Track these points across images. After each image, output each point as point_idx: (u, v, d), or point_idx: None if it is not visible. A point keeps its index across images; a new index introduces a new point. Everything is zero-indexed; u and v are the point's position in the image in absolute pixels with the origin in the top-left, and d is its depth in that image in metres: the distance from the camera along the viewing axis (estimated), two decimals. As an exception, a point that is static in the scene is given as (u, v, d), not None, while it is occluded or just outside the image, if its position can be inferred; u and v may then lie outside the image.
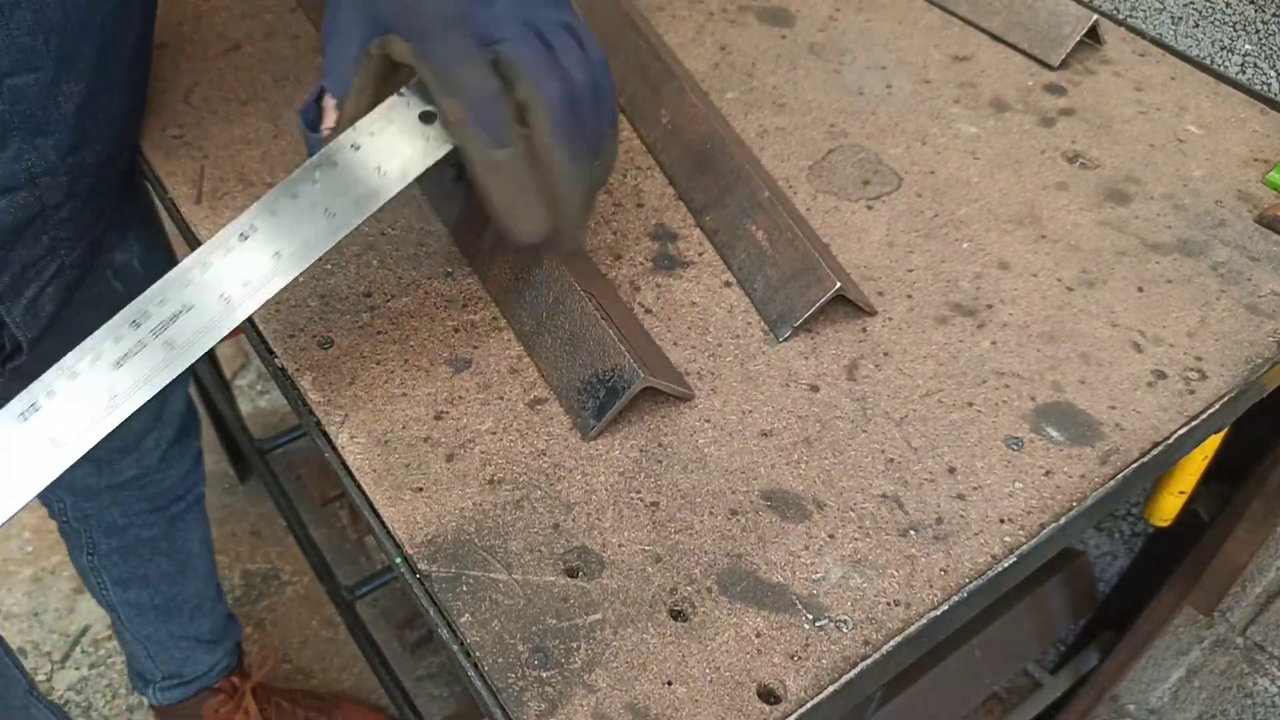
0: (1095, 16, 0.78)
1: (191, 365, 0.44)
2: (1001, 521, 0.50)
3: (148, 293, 0.45)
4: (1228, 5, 0.80)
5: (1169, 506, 0.94)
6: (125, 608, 1.11)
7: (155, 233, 0.89)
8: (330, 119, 0.48)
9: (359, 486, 0.51)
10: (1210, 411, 0.56)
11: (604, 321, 0.53)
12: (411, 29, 0.45)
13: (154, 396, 0.91)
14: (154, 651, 1.17)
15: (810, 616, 0.46)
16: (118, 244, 0.81)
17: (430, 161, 0.48)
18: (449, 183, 0.62)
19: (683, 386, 0.55)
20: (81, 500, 1.00)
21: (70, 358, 0.44)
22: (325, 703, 1.32)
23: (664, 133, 0.70)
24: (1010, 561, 0.49)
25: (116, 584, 1.09)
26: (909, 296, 0.61)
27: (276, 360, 0.56)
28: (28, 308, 0.65)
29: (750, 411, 0.55)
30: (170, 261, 0.90)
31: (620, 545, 0.49)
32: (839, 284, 0.57)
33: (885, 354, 0.58)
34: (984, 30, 0.82)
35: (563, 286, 0.55)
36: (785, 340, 0.58)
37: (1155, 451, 0.54)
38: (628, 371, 0.51)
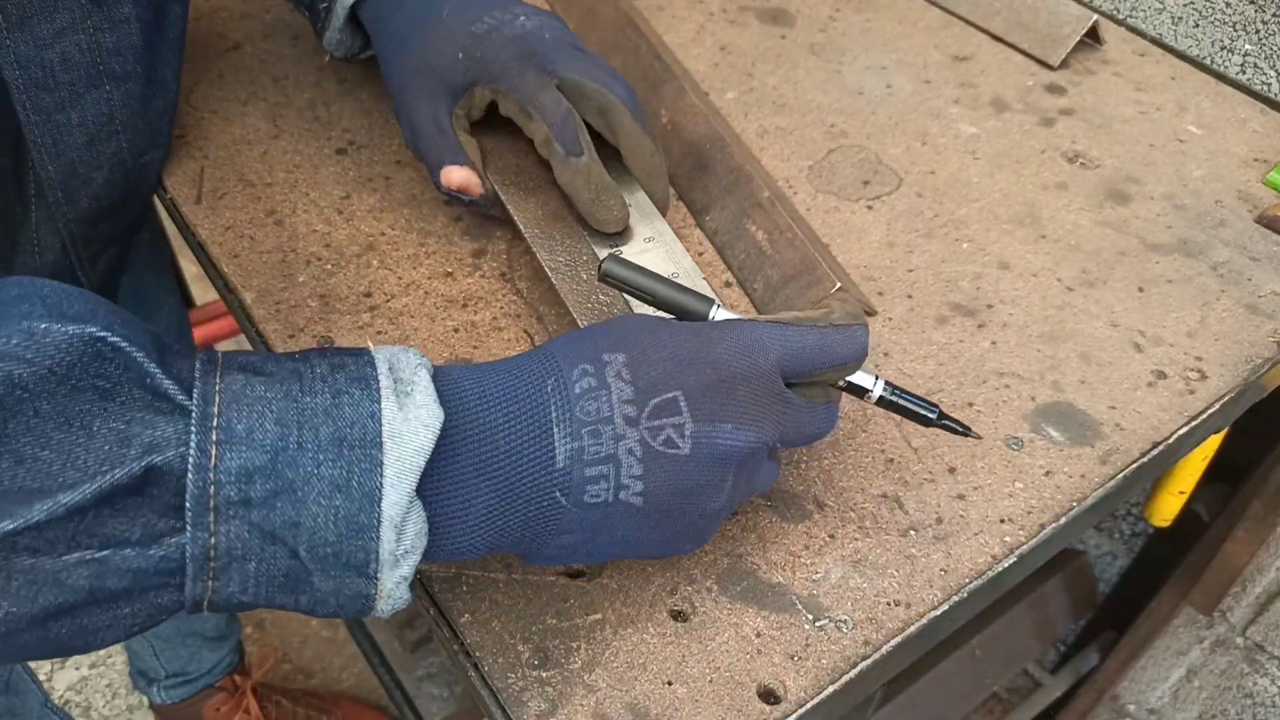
0: (1095, 16, 0.78)
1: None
2: (1001, 521, 0.50)
3: None
4: (1228, 5, 0.80)
5: (1169, 506, 0.94)
6: None
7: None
8: (470, 181, 0.58)
9: (359, 486, 0.51)
10: (1210, 411, 0.56)
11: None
12: (490, 74, 0.56)
13: None
14: (160, 649, 1.17)
15: (810, 616, 0.46)
16: None
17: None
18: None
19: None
20: None
21: None
22: (325, 702, 1.32)
23: (664, 133, 0.70)
24: (1010, 561, 0.49)
25: None
26: (909, 296, 0.61)
27: (276, 360, 0.56)
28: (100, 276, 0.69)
29: (750, 411, 0.55)
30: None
31: (620, 545, 0.49)
32: (839, 284, 0.57)
33: (885, 354, 0.58)
34: (984, 30, 0.82)
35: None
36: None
37: (1155, 451, 0.54)
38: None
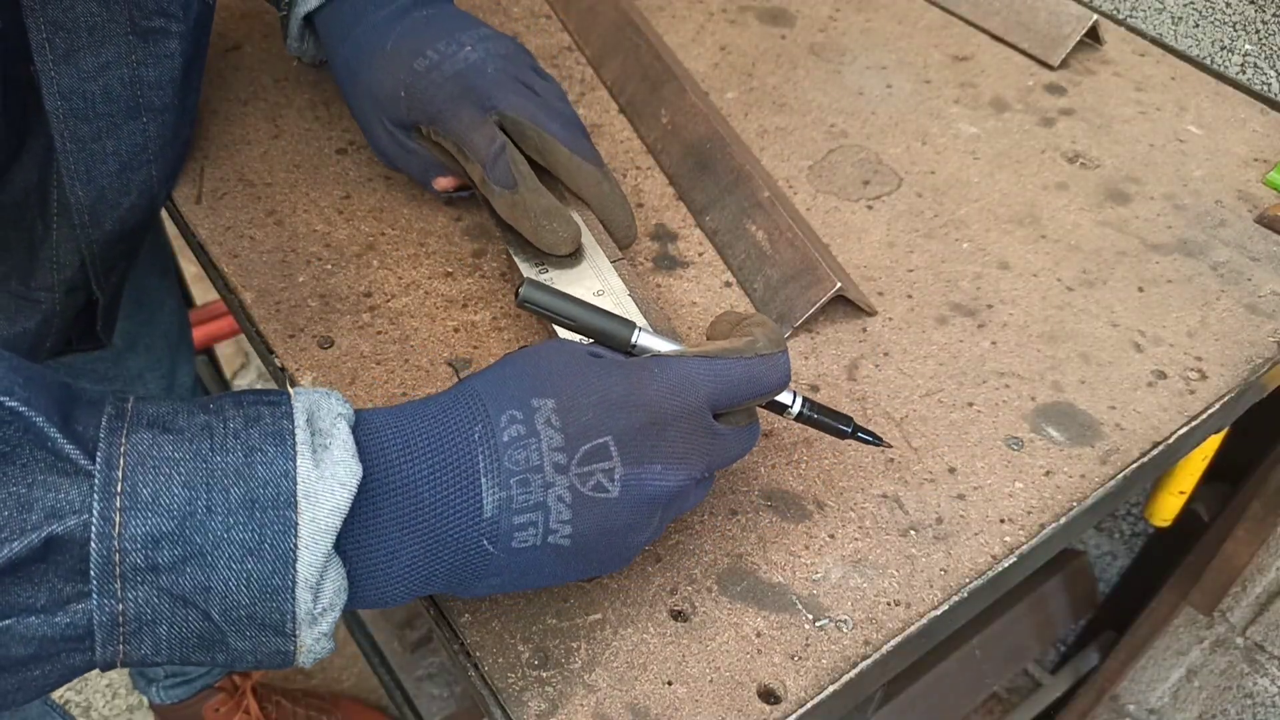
0: (1095, 16, 0.78)
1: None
2: (1001, 521, 0.50)
3: None
4: (1228, 5, 0.80)
5: (1169, 506, 0.94)
6: None
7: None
8: (450, 183, 0.61)
9: (359, 486, 0.51)
10: (1210, 411, 0.56)
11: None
12: (428, 115, 0.56)
13: (163, 374, 0.93)
14: None
15: (810, 616, 0.46)
16: None
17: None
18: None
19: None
20: None
21: None
22: (325, 702, 1.32)
23: (664, 133, 0.70)
24: (1010, 561, 0.49)
25: None
26: (909, 296, 0.61)
27: (276, 360, 0.56)
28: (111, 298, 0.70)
29: (750, 411, 0.55)
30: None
31: (620, 545, 0.49)
32: (839, 284, 0.57)
33: (885, 354, 0.58)
34: (984, 30, 0.82)
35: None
36: (785, 340, 0.58)
37: (1155, 451, 0.54)
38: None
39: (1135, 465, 0.53)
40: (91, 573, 0.31)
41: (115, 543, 0.31)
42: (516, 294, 0.44)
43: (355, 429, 0.36)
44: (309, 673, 1.42)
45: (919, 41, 0.81)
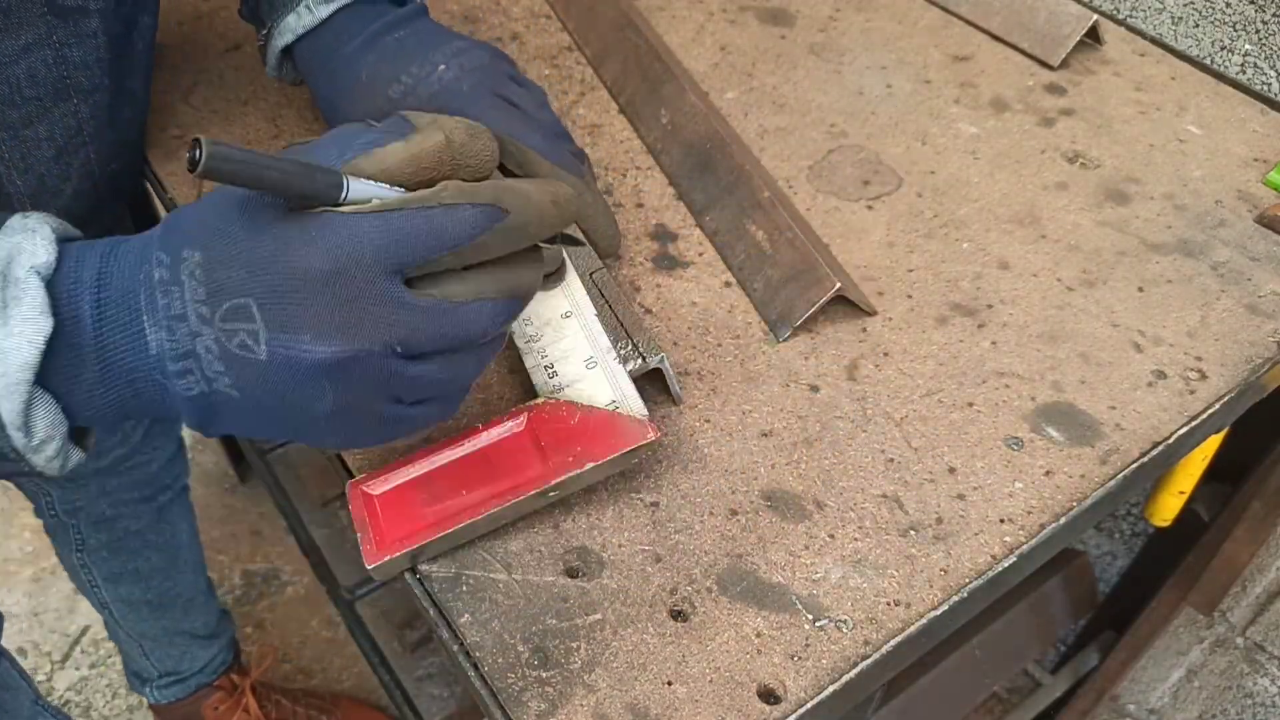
0: (1095, 16, 0.78)
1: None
2: (1001, 521, 0.50)
3: None
4: (1228, 5, 0.80)
5: (1169, 506, 0.94)
6: (118, 604, 1.12)
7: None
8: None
9: (359, 486, 0.51)
10: (1210, 411, 0.56)
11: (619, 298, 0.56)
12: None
13: None
14: (149, 649, 1.17)
15: (810, 616, 0.46)
16: None
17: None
18: None
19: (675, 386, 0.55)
20: (69, 493, 1.01)
21: None
22: (325, 701, 1.32)
23: (664, 133, 0.70)
24: (1010, 561, 0.49)
25: (108, 580, 1.09)
26: (909, 296, 0.61)
27: (276, 360, 0.56)
28: None
29: (750, 411, 0.55)
30: None
31: (620, 545, 0.49)
32: (839, 284, 0.57)
33: (885, 354, 0.58)
34: (984, 30, 0.82)
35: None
36: (785, 340, 0.58)
37: (1155, 451, 0.54)
38: (648, 351, 0.52)
39: (1135, 465, 0.53)
40: None
41: None
42: (194, 164, 0.35)
43: (56, 273, 0.38)
44: (309, 673, 1.42)
45: (919, 41, 0.81)
